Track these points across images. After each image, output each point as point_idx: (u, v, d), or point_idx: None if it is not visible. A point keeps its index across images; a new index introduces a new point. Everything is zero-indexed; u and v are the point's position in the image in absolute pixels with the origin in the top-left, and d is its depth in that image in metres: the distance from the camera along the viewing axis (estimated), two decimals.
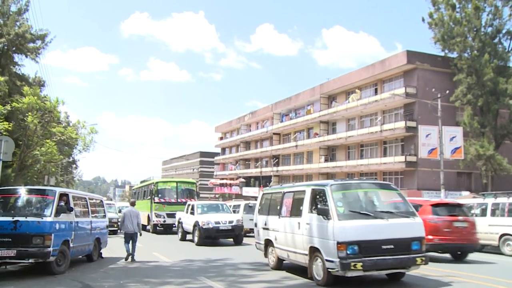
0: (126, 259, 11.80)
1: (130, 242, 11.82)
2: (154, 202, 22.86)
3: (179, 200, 22.95)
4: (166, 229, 23.38)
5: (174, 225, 22.48)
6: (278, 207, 9.72)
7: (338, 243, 7.16)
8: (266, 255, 10.40)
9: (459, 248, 11.82)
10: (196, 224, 16.49)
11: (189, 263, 11.41)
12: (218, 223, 16.19)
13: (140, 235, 12.20)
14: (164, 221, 22.69)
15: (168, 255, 12.97)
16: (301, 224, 8.44)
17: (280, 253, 9.61)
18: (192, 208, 17.79)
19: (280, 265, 9.89)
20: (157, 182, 24.27)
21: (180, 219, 19.09)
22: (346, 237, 7.20)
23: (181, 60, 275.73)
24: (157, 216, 22.69)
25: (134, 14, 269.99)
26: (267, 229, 10.17)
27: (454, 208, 12.27)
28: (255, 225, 10.99)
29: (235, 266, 10.65)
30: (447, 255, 12.32)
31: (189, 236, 18.02)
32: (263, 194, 11.36)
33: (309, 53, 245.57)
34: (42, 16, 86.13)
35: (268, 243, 10.20)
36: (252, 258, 11.74)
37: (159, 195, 23.17)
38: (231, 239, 16.87)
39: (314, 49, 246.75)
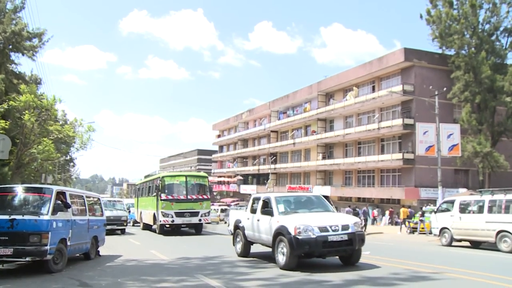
0: None
1: None
2: (161, 200, 20.49)
3: (189, 197, 20.78)
4: (174, 230, 21.53)
5: (183, 226, 21.41)
6: None
7: None
8: None
9: None
10: (281, 232, 9.42)
11: (186, 261, 11.41)
12: (325, 229, 9.16)
13: None
14: (173, 220, 20.38)
15: (166, 253, 12.97)
16: None
17: None
18: (267, 205, 10.58)
19: None
20: (163, 177, 21.70)
21: (239, 222, 11.97)
22: None
23: (179, 58, 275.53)
24: (164, 215, 20.33)
25: (133, 12, 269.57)
26: None
27: None
28: None
29: (232, 264, 10.64)
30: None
31: (254, 248, 11.93)
32: None
33: (308, 51, 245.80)
34: (39, 14, 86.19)
35: None
36: (250, 256, 11.74)
37: (166, 192, 20.70)
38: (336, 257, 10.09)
39: (313, 47, 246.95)
